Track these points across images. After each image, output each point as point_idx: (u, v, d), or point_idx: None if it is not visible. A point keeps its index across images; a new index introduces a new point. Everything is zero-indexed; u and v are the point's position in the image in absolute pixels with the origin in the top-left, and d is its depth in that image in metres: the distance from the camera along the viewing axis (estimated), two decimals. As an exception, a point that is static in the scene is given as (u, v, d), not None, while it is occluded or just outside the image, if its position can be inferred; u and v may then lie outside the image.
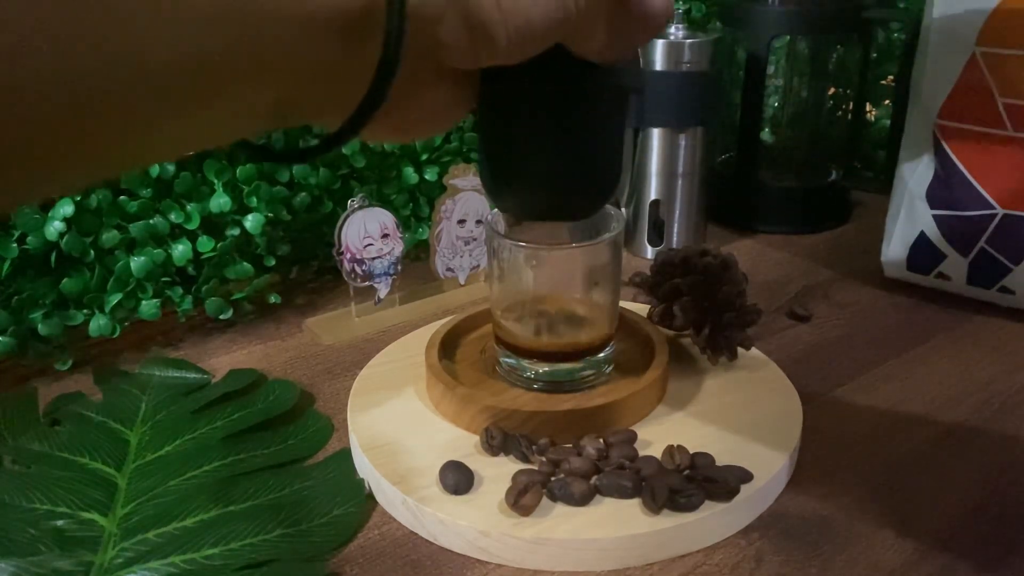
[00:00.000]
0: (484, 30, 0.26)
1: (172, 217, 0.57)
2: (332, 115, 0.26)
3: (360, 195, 0.57)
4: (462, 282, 0.64)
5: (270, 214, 0.61)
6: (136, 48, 0.20)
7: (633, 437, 0.44)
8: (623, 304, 0.51)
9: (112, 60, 0.19)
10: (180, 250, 0.58)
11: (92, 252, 0.55)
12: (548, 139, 0.35)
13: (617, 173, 0.39)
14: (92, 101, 0.19)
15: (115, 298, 0.56)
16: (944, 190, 0.60)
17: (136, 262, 0.56)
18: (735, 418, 0.46)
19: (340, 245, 0.57)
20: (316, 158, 0.30)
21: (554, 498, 0.40)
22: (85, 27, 0.18)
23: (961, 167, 0.59)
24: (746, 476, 0.41)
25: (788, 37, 0.79)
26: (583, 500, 0.40)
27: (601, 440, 0.43)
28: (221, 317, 0.61)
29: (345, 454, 0.46)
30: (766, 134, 0.85)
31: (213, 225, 0.60)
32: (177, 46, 0.20)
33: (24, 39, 0.18)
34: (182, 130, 0.23)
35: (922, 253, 0.62)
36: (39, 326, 0.54)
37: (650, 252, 0.72)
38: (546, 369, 0.48)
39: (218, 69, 0.22)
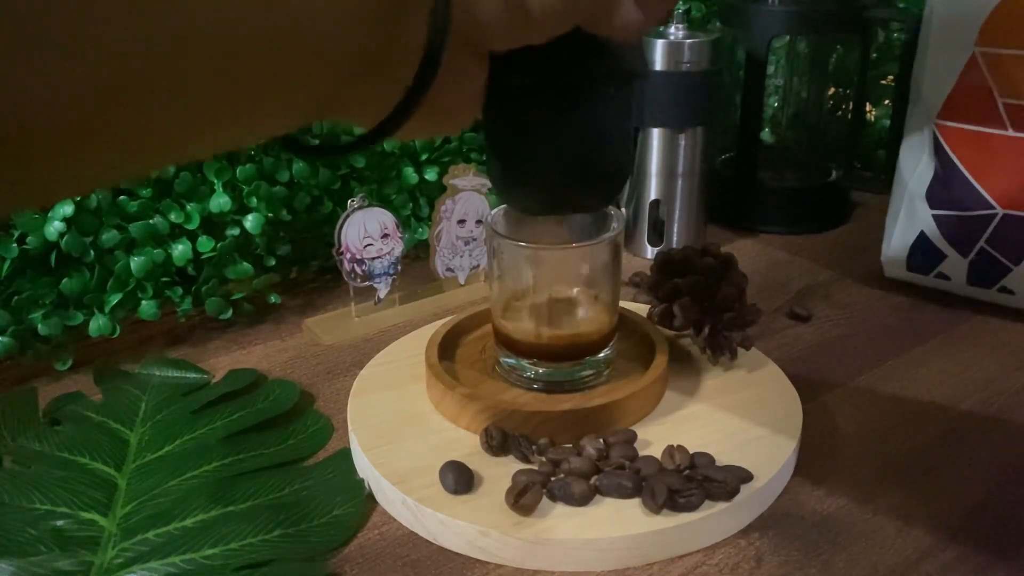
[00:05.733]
0: (520, 5, 0.26)
1: (172, 217, 0.57)
2: (369, 110, 0.26)
3: (360, 195, 0.57)
4: (462, 282, 0.64)
5: (270, 214, 0.61)
6: (186, 30, 0.19)
7: (633, 437, 0.44)
8: (623, 304, 0.51)
9: (163, 41, 0.19)
10: (180, 250, 0.58)
11: (92, 252, 0.55)
12: (558, 130, 0.35)
13: (627, 162, 0.39)
14: (141, 84, 0.19)
15: (115, 298, 0.56)
16: (944, 190, 0.60)
17: (136, 262, 0.56)
18: (735, 418, 0.46)
19: (340, 245, 0.57)
20: (362, 150, 0.30)
21: (554, 498, 0.40)
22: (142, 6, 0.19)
23: (961, 167, 0.59)
24: (746, 476, 0.41)
25: (788, 37, 0.79)
26: (583, 500, 0.40)
27: (601, 440, 0.43)
28: (221, 317, 0.61)
29: (345, 454, 0.46)
30: (766, 134, 0.85)
31: (213, 225, 0.60)
32: (225, 30, 0.20)
33: (89, 23, 0.18)
34: (225, 122, 0.23)
35: (922, 253, 0.62)
36: (39, 326, 0.54)
37: (650, 252, 0.72)
38: (546, 369, 0.48)
39: (262, 57, 0.22)
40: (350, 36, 0.24)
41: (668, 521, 0.39)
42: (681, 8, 0.69)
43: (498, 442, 0.43)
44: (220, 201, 0.58)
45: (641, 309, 0.55)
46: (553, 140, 0.35)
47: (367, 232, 0.58)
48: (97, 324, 0.55)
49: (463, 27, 0.26)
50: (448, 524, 0.40)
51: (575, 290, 0.49)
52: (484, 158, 0.73)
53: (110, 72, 0.19)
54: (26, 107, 0.18)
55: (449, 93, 0.28)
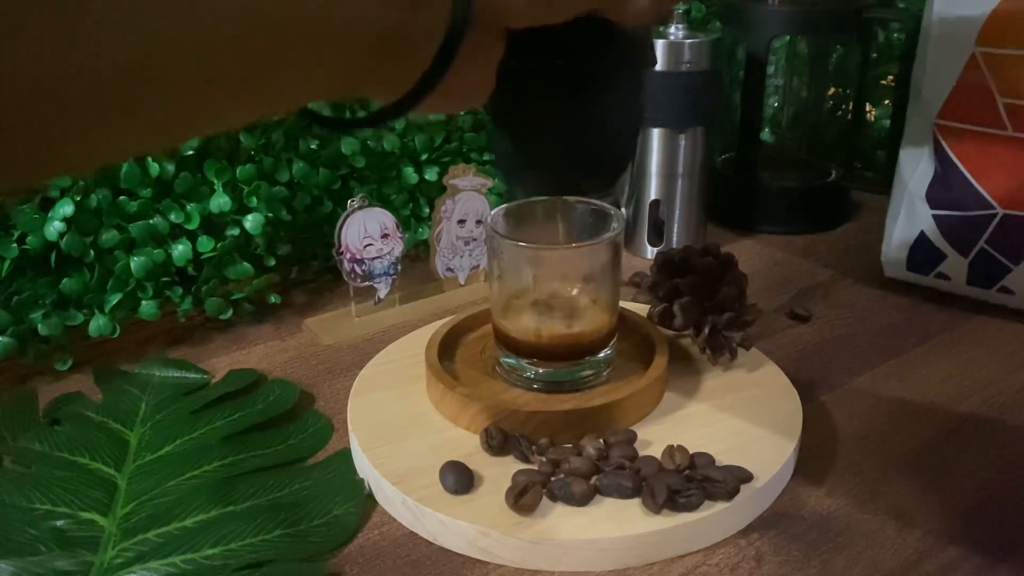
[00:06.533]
0: None
1: (172, 217, 0.57)
2: (390, 86, 0.27)
3: (360, 195, 0.57)
4: (462, 282, 0.64)
5: (270, 214, 0.61)
6: (221, 7, 0.20)
7: (633, 437, 0.44)
8: (623, 304, 0.51)
9: (198, 18, 0.20)
10: (180, 250, 0.58)
11: (92, 252, 0.55)
12: (566, 114, 0.35)
13: (632, 149, 0.39)
14: (168, 59, 0.20)
15: (115, 298, 0.56)
16: (944, 190, 0.60)
17: (136, 262, 0.56)
18: (735, 418, 0.46)
19: (340, 245, 0.57)
20: (386, 122, 0.31)
21: (554, 498, 0.40)
22: None
23: (961, 167, 0.59)
24: (746, 476, 0.41)
25: (788, 37, 0.79)
26: (583, 500, 0.40)
27: (601, 440, 0.43)
28: (221, 317, 0.61)
29: (345, 454, 0.46)
30: (766, 134, 0.85)
31: (213, 225, 0.60)
32: (259, 6, 0.21)
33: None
34: (253, 98, 0.23)
35: (922, 253, 0.62)
36: (39, 326, 0.54)
37: (650, 252, 0.72)
38: (546, 369, 0.48)
39: (293, 33, 0.22)
40: (380, 14, 0.24)
41: (668, 521, 0.39)
42: (681, 8, 0.69)
43: (498, 442, 0.43)
44: (220, 201, 0.58)
45: (641, 309, 0.55)
46: (560, 124, 0.36)
47: (367, 232, 0.58)
48: (97, 324, 0.55)
49: (484, 4, 0.26)
50: (448, 524, 0.40)
51: (575, 290, 0.49)
52: (484, 157, 0.73)
53: (144, 46, 0.19)
54: (64, 77, 0.18)
55: (468, 69, 0.28)
